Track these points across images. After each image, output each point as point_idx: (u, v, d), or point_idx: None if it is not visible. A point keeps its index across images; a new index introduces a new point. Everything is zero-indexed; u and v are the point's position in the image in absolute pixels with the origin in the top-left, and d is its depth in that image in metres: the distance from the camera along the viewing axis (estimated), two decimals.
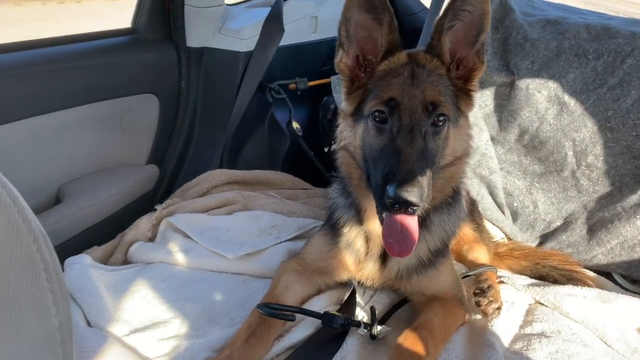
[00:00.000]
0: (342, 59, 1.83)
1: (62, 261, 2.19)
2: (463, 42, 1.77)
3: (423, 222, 1.89)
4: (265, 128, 3.61)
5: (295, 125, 3.59)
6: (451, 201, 1.99)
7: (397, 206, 1.53)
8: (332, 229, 2.05)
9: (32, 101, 2.57)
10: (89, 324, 1.93)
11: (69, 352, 0.77)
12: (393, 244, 1.65)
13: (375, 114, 1.70)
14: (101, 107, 2.92)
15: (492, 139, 3.16)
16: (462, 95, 1.82)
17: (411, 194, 1.49)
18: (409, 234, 1.64)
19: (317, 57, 3.98)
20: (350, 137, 1.84)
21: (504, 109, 3.11)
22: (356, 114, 1.81)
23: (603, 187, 2.83)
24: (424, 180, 1.54)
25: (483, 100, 3.18)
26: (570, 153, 2.89)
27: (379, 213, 1.72)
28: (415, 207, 1.53)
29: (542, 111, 2.94)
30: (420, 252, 1.94)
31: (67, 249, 2.45)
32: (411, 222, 1.65)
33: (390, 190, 1.51)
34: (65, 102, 2.73)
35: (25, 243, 0.70)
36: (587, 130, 2.83)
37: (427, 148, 1.65)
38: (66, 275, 2.10)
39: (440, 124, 1.70)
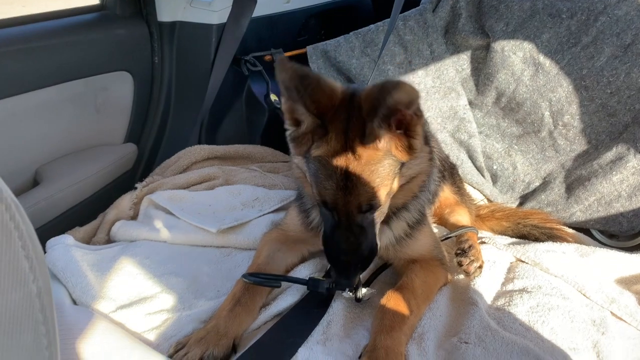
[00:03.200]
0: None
1: (43, 243, 2.17)
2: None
3: (404, 206, 1.91)
4: (242, 102, 3.58)
5: (273, 97, 3.55)
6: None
7: None
8: (302, 204, 2.06)
9: (2, 82, 2.51)
10: (74, 302, 1.92)
11: (50, 317, 0.77)
12: None
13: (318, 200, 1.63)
14: (74, 87, 2.86)
15: (470, 102, 3.17)
16: (406, 149, 1.57)
17: (348, 283, 1.79)
18: None
19: (291, 27, 3.93)
20: (304, 172, 1.72)
21: (481, 72, 3.12)
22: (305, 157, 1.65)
23: (580, 146, 2.87)
24: (358, 270, 1.75)
25: (460, 65, 3.18)
26: (547, 113, 2.92)
27: None
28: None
29: (518, 73, 2.96)
30: (400, 228, 1.95)
31: (48, 231, 2.42)
32: None
33: (332, 274, 1.79)
34: (37, 82, 2.67)
35: None
36: (562, 90, 2.86)
37: (366, 231, 1.62)
38: (49, 255, 2.08)
39: (376, 210, 1.63)
